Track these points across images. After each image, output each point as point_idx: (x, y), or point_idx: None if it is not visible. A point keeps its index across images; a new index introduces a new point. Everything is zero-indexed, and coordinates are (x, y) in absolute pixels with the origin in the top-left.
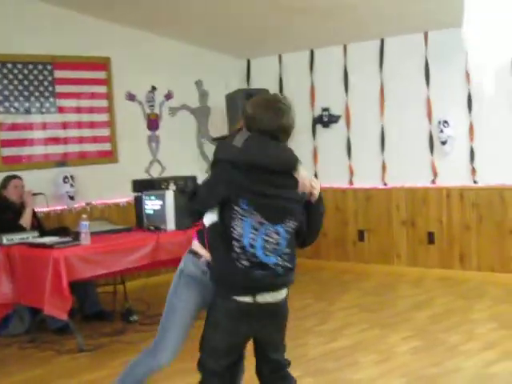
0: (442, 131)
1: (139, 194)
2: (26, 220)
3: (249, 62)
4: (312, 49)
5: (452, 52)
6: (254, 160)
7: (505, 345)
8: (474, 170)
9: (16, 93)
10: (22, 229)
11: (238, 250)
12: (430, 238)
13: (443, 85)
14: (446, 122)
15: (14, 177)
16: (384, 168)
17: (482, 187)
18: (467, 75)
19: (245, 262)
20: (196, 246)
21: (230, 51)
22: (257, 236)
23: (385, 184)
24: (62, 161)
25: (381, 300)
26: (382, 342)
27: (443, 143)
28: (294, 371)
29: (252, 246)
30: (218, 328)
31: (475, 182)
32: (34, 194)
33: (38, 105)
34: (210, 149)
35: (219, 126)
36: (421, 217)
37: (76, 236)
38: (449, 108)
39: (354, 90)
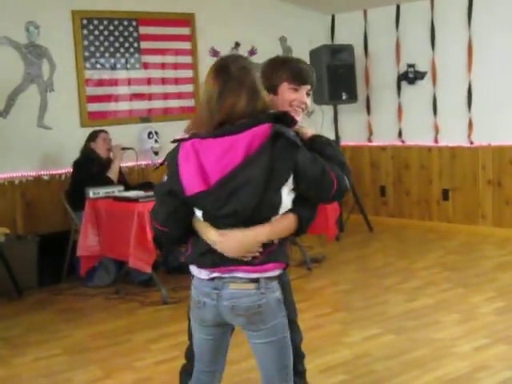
0: None
1: None
2: (113, 173)
3: (333, 17)
4: (398, 3)
5: None
6: None
7: None
8: None
9: (102, 49)
10: (109, 181)
11: None
12: None
13: None
14: None
15: (103, 130)
16: (470, 126)
17: None
18: None
19: None
20: None
21: (315, 6)
22: None
23: (471, 142)
24: (147, 117)
25: (464, 259)
26: (465, 302)
27: None
28: (373, 329)
29: None
30: None
31: None
32: (124, 149)
33: (123, 61)
34: None
35: None
36: (508, 176)
37: None
38: None
39: (440, 46)
